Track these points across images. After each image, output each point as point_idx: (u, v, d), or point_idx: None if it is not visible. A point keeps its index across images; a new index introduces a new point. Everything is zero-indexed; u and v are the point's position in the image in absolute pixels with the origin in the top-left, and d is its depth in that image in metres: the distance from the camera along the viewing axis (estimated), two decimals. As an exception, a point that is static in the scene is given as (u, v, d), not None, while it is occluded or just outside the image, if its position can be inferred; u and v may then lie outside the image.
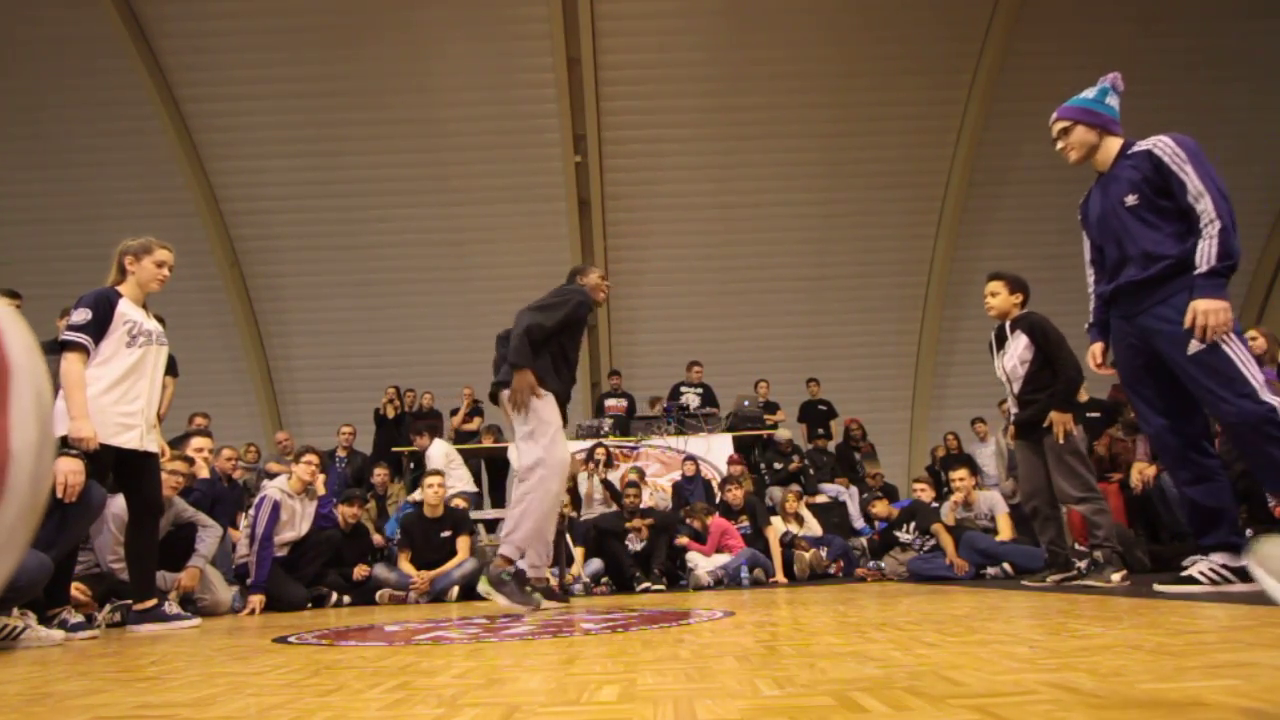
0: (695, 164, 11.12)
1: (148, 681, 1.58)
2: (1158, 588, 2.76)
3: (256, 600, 4.79)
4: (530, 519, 3.38)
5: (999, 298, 4.00)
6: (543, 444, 3.41)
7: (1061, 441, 3.76)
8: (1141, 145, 2.74)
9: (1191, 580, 2.67)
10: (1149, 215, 2.69)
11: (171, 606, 3.66)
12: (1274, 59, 10.32)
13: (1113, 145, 2.87)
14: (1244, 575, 2.61)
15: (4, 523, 0.43)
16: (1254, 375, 2.47)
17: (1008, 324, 4.00)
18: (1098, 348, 3.08)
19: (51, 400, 0.49)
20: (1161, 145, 2.67)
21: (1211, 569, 2.66)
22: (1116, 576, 3.59)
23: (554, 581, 5.90)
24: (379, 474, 7.39)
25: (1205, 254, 2.51)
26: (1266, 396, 2.45)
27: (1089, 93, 2.98)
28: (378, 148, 10.74)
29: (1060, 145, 2.99)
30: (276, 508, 5.10)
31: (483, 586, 3.33)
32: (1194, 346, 2.54)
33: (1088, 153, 2.93)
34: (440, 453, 7.10)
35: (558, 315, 3.55)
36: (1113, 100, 2.95)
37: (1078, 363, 3.85)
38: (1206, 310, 2.48)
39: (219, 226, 11.16)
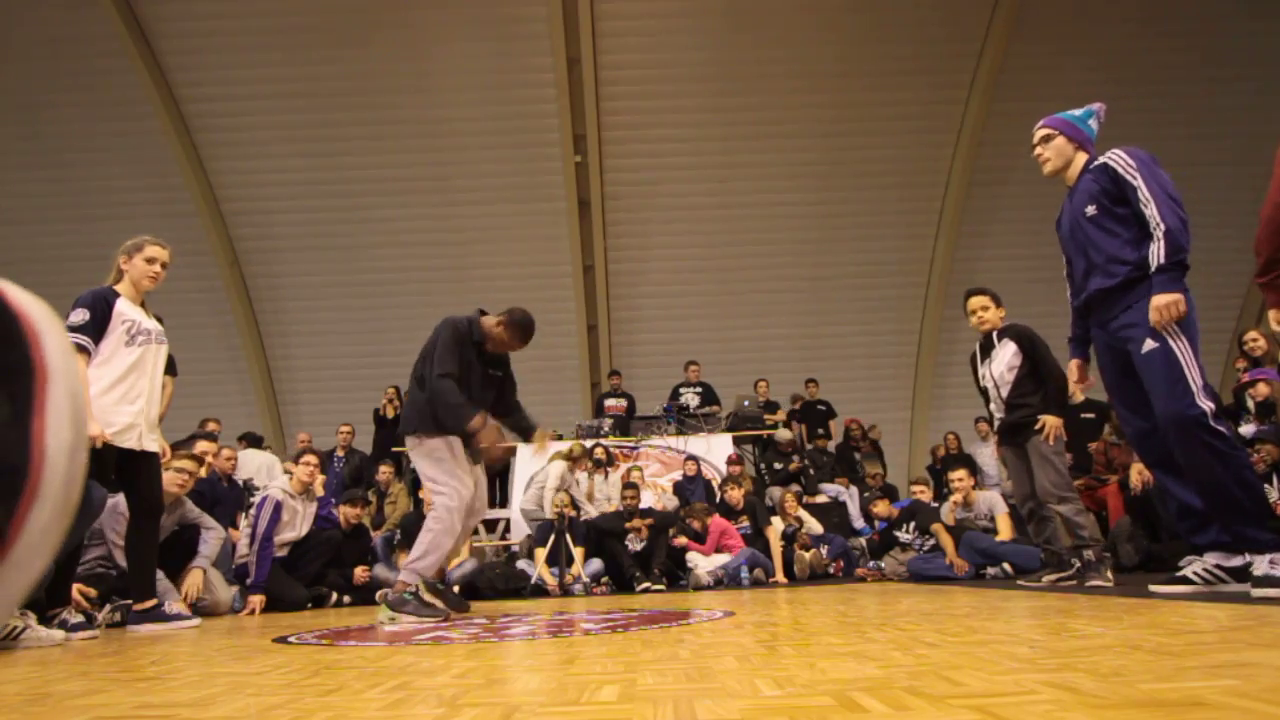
0: (695, 164, 11.11)
1: (148, 681, 1.58)
2: (1152, 588, 2.78)
3: (256, 600, 4.78)
4: (437, 550, 3.47)
5: (990, 312, 4.13)
6: (443, 480, 3.49)
7: (1051, 443, 3.83)
8: (1100, 159, 2.91)
9: (1185, 580, 2.70)
10: (1108, 223, 2.85)
11: (171, 606, 3.66)
12: (1274, 59, 10.32)
13: (1081, 160, 3.06)
14: (1238, 575, 2.64)
15: (37, 525, 0.43)
16: (1195, 379, 2.59)
17: (995, 334, 4.11)
18: (1074, 365, 3.27)
19: (85, 402, 0.50)
20: (1115, 157, 2.84)
21: (1205, 569, 2.68)
22: (1110, 573, 3.64)
23: (553, 582, 5.92)
24: (384, 471, 7.38)
25: (1155, 254, 2.67)
26: (1201, 401, 2.55)
27: (1076, 110, 3.15)
28: (378, 148, 10.74)
29: (1038, 152, 3.14)
30: (278, 508, 5.10)
31: (383, 614, 3.32)
32: (1147, 345, 2.68)
33: (1062, 164, 3.09)
34: (260, 465, 6.80)
35: (448, 356, 3.56)
36: (1094, 124, 3.12)
37: (1062, 369, 3.93)
38: (1160, 305, 2.62)
39: (219, 226, 11.16)
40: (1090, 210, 2.89)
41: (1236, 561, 2.65)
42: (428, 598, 3.36)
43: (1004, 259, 11.35)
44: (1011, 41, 10.13)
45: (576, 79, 10.29)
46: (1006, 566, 5.06)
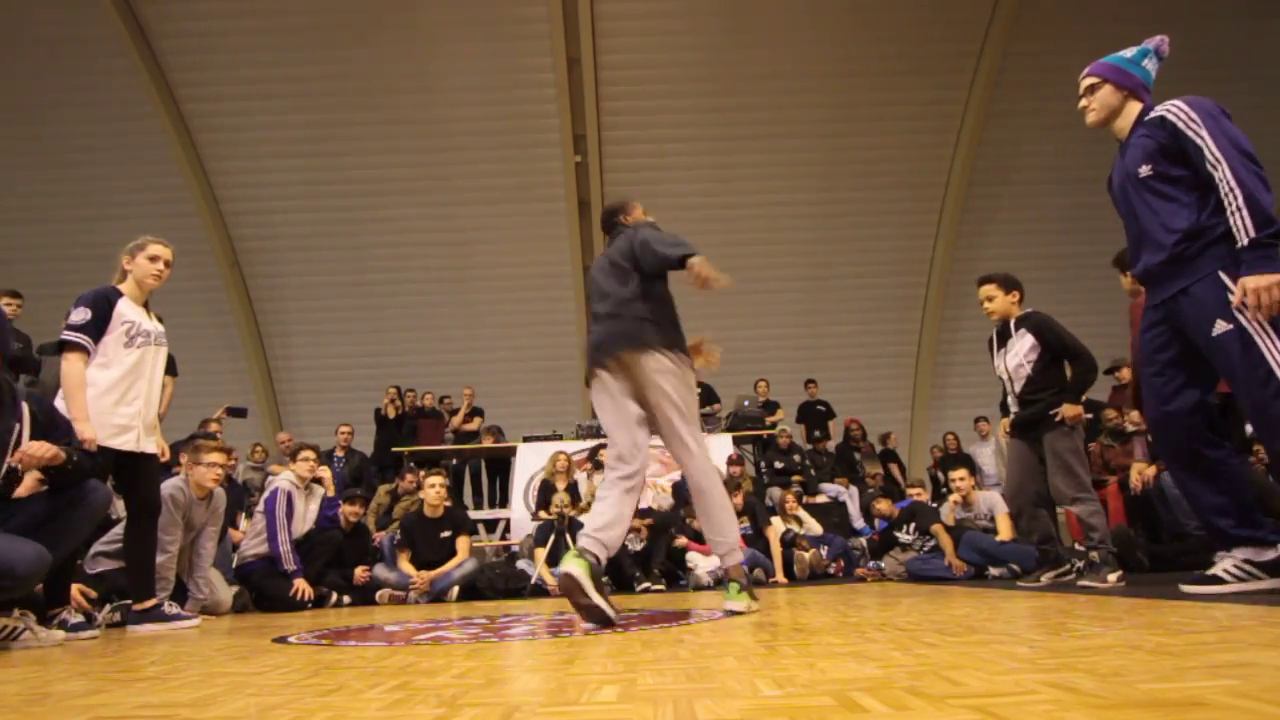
0: (695, 164, 11.12)
1: (148, 681, 1.58)
2: (1184, 589, 2.58)
3: (302, 584, 4.98)
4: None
5: (996, 301, 3.98)
6: (695, 428, 2.84)
7: (1067, 432, 3.71)
8: (1157, 110, 2.56)
9: (1217, 580, 2.51)
10: (1162, 186, 2.51)
11: (171, 606, 3.66)
12: (1274, 59, 10.32)
13: (1134, 111, 2.68)
14: (1271, 570, 2.47)
15: None
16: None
17: (1011, 322, 3.98)
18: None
19: None
20: (1175, 109, 2.49)
21: (1236, 566, 2.51)
22: (1112, 577, 3.58)
23: (553, 582, 5.92)
24: (410, 478, 7.31)
25: (1240, 227, 2.29)
26: None
27: (1127, 52, 2.76)
28: (378, 148, 10.74)
29: (1083, 103, 2.76)
30: (290, 498, 5.16)
31: (733, 602, 2.76)
32: (1219, 327, 2.37)
33: (1108, 116, 2.72)
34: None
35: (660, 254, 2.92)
36: (1150, 64, 2.75)
37: (1091, 354, 3.81)
38: (1257, 287, 2.25)
39: (219, 226, 11.16)
40: (1144, 170, 2.52)
41: (1269, 555, 2.48)
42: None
43: (1004, 259, 11.30)
44: (1011, 41, 10.13)
45: (576, 79, 10.29)
46: (1014, 566, 5.06)
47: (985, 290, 4.03)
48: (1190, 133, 2.43)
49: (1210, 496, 2.56)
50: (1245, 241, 2.28)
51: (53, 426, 2.96)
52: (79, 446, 2.99)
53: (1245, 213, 2.28)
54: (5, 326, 2.91)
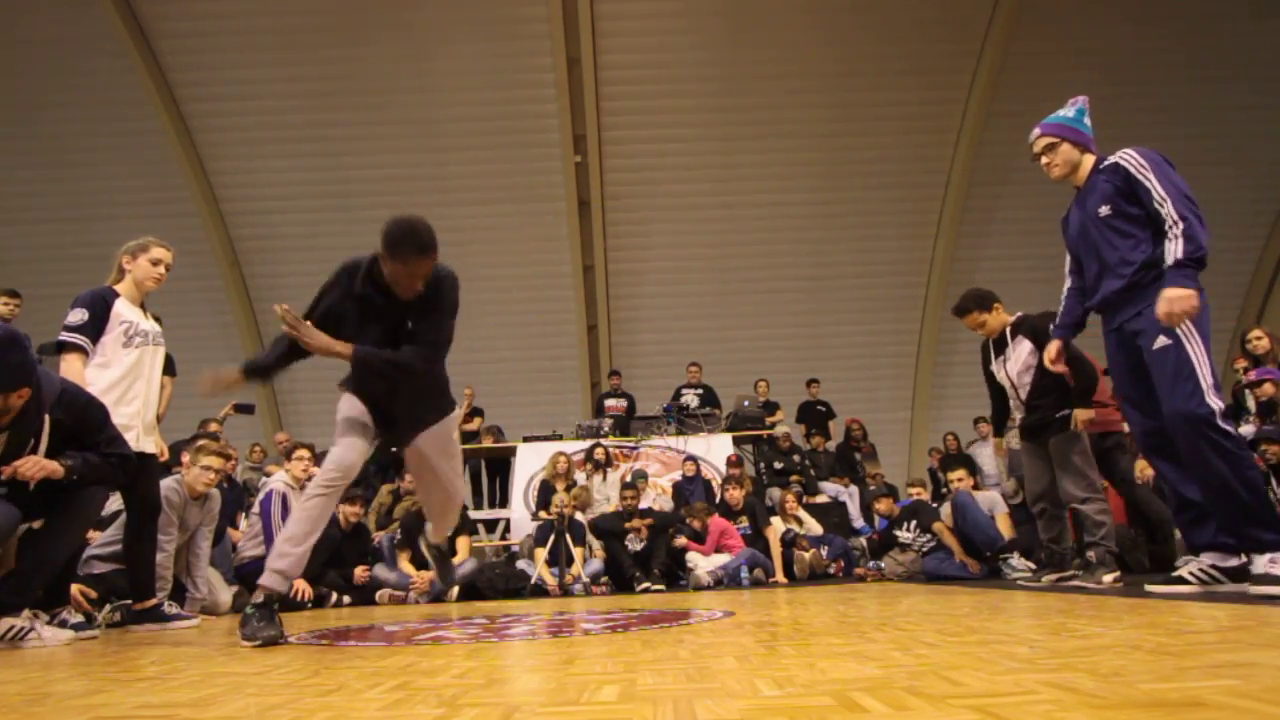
0: (695, 164, 11.11)
1: (148, 681, 1.58)
2: (1148, 588, 2.79)
3: (303, 585, 4.95)
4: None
5: (987, 322, 4.12)
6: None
7: (1078, 433, 3.80)
8: (1110, 159, 2.88)
9: (1181, 580, 2.71)
10: (1120, 224, 2.82)
11: (171, 606, 3.66)
12: (1273, 59, 10.32)
13: (1088, 163, 3.03)
14: (1234, 576, 2.65)
15: None
16: (1205, 377, 2.57)
17: (1006, 331, 4.07)
18: (1054, 345, 3.28)
19: None
20: (1127, 157, 2.81)
21: (1201, 569, 2.69)
22: (1109, 578, 3.62)
23: (553, 582, 5.92)
24: (410, 479, 7.33)
25: (1172, 251, 2.61)
26: (1211, 400, 2.54)
27: (1068, 112, 3.11)
28: (378, 148, 10.73)
29: (1045, 161, 3.10)
30: (285, 499, 5.15)
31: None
32: (1159, 341, 2.65)
33: (1069, 170, 3.07)
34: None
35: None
36: (1088, 120, 3.10)
37: (1086, 360, 3.91)
38: (1172, 297, 2.54)
39: (219, 226, 11.15)
40: (1104, 211, 2.86)
41: (1233, 562, 2.66)
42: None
43: (1004, 259, 11.34)
44: (1011, 41, 10.13)
45: (576, 79, 10.29)
46: (1017, 563, 5.05)
47: (971, 319, 4.16)
48: (1140, 176, 2.76)
49: (1188, 496, 2.75)
50: (1171, 261, 2.60)
51: (82, 432, 2.87)
52: (107, 445, 2.93)
53: (1181, 240, 2.59)
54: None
